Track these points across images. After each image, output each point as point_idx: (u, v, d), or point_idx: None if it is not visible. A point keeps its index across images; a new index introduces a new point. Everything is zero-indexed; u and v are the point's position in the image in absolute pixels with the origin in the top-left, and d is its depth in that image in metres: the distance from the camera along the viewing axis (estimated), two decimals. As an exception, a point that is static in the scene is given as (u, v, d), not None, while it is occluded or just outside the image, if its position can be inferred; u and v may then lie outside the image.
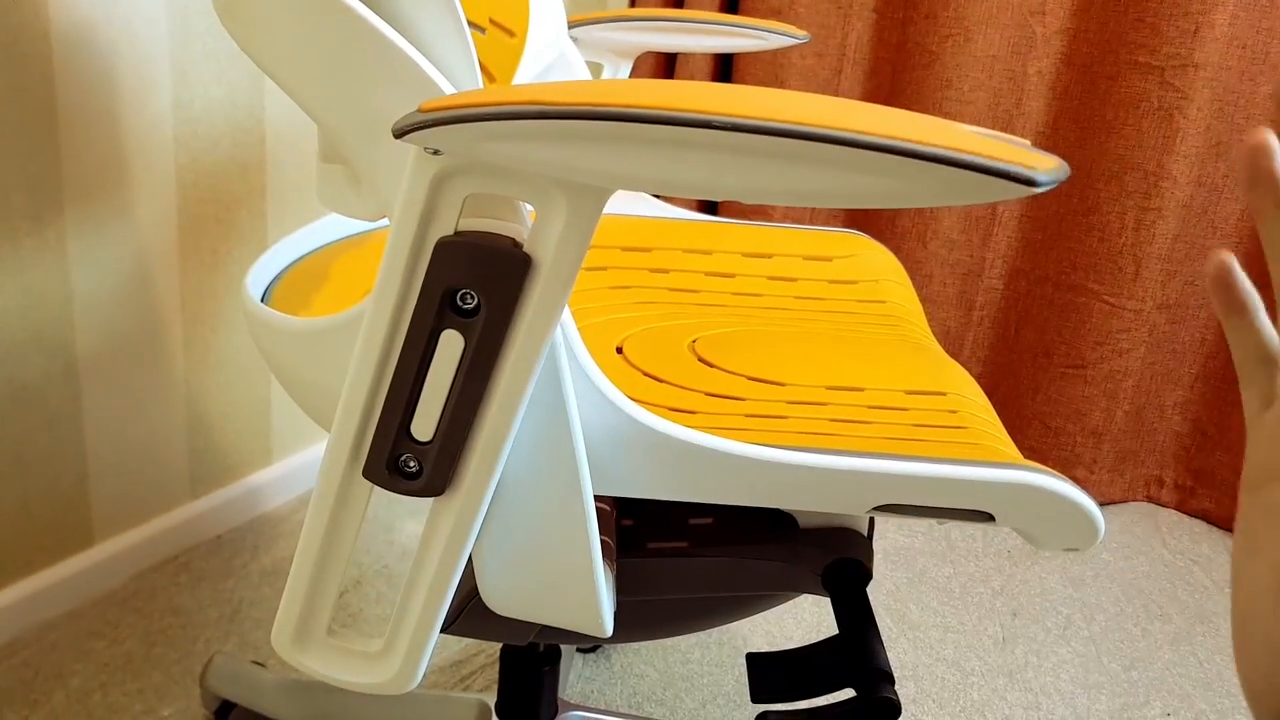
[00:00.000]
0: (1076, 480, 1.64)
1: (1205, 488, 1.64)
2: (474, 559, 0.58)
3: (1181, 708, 1.23)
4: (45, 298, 1.07)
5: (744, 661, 1.25)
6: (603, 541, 0.61)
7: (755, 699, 0.62)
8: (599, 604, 0.56)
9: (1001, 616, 1.36)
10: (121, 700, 1.06)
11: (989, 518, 0.55)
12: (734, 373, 0.72)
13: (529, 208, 0.44)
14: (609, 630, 0.58)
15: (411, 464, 0.50)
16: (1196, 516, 1.65)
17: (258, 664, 1.05)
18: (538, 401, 0.49)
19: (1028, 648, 1.31)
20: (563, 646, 0.91)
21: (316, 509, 0.52)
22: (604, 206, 0.41)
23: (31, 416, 1.09)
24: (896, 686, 1.22)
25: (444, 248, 0.44)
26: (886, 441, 0.62)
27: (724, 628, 1.28)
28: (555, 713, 0.89)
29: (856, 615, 0.62)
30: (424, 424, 0.49)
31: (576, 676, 1.17)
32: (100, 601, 1.19)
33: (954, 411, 0.69)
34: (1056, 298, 1.60)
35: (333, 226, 0.84)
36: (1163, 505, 1.67)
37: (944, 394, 0.71)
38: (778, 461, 0.54)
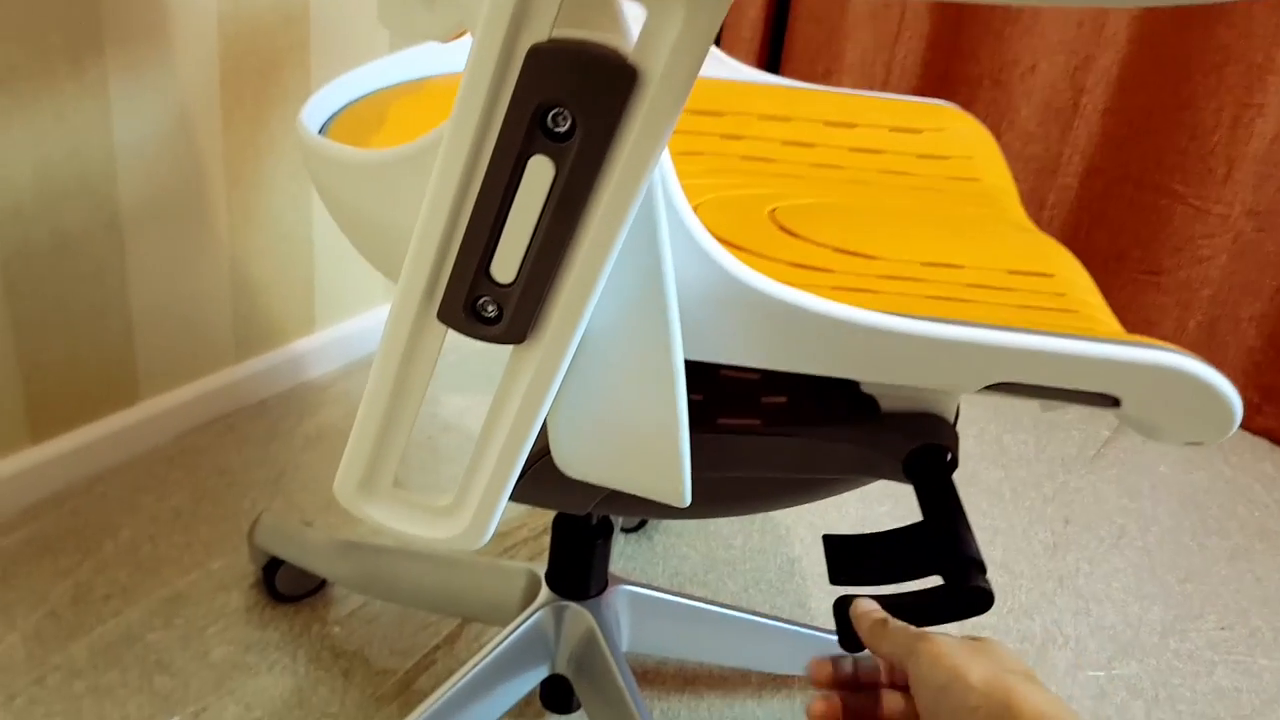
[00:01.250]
0: (1138, 390, 1.58)
1: (1272, 405, 1.58)
2: (547, 417, 0.54)
3: (1236, 623, 1.20)
4: (88, 145, 1.04)
5: (787, 551, 1.24)
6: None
7: (834, 581, 0.59)
8: (681, 471, 0.53)
9: (1053, 523, 1.33)
10: (170, 553, 1.07)
11: (1114, 402, 0.51)
12: (820, 243, 0.67)
13: (636, 21, 0.39)
14: (688, 499, 0.55)
15: (490, 308, 0.46)
16: (1260, 434, 1.60)
17: (305, 524, 1.04)
18: (630, 246, 0.44)
19: (1079, 555, 1.28)
20: (610, 521, 0.89)
21: (386, 352, 0.49)
22: (726, 10, 0.36)
23: (76, 268, 1.07)
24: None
25: (537, 55, 0.39)
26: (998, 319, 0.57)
27: (767, 516, 1.27)
28: (605, 586, 0.88)
29: (943, 503, 0.59)
30: (506, 263, 0.45)
31: (618, 554, 1.16)
32: (147, 458, 1.19)
33: (1061, 294, 0.64)
34: (1136, 198, 1.53)
35: (388, 70, 0.79)
36: (1225, 421, 1.62)
37: (1050, 275, 0.66)
38: (892, 330, 0.50)
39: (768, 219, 0.71)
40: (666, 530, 1.20)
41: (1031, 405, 1.65)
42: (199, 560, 1.06)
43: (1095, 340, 0.50)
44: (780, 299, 0.49)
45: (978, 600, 0.53)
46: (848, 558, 0.59)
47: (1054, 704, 0.47)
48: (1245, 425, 1.61)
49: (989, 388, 0.52)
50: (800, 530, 1.24)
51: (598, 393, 0.51)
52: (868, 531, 0.61)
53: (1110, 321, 0.64)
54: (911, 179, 0.82)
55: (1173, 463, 1.49)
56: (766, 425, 0.64)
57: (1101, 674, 1.10)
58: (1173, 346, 0.52)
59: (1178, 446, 1.53)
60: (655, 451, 0.52)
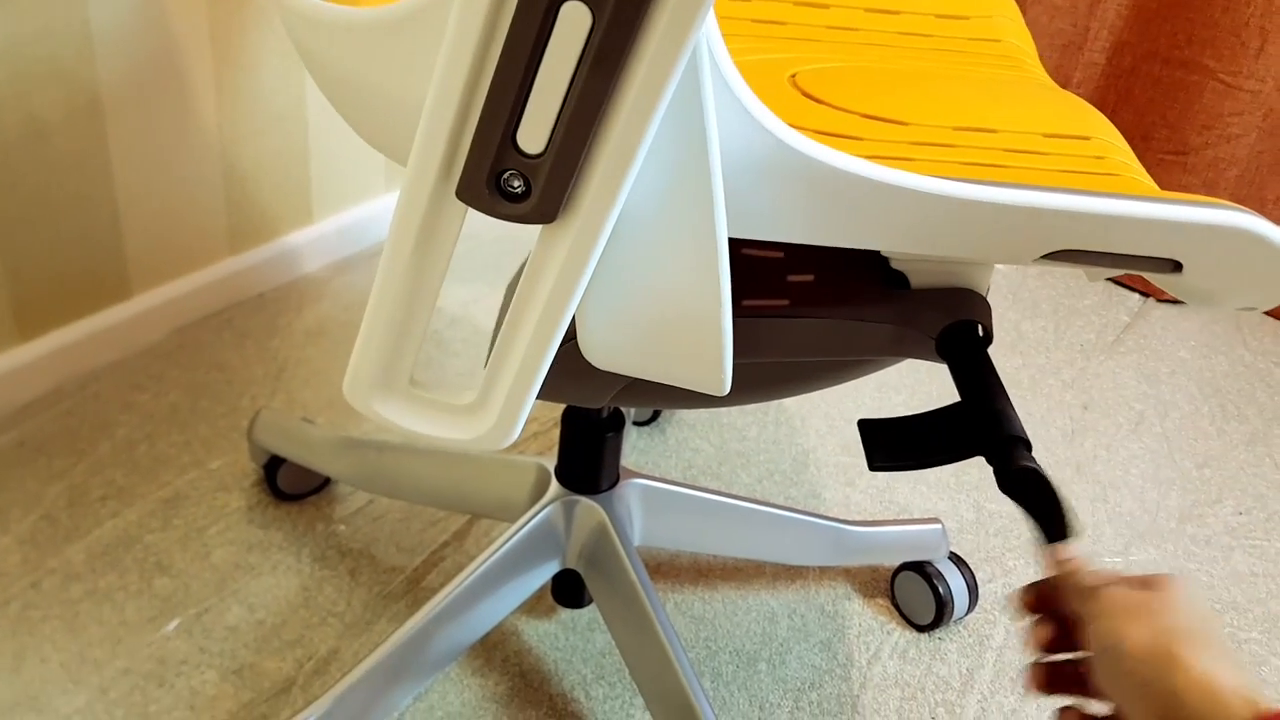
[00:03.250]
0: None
1: (1295, 288, 1.54)
2: None
3: (1254, 508, 1.18)
4: (60, 21, 0.97)
5: (801, 442, 1.21)
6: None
7: (873, 466, 0.56)
8: (723, 357, 0.49)
9: (1071, 409, 1.30)
10: (168, 451, 1.04)
11: (1175, 266, 0.47)
12: (846, 110, 0.62)
13: None
14: (729, 387, 0.51)
15: (517, 182, 0.41)
16: (1280, 318, 1.56)
17: (306, 421, 1.01)
18: (672, 109, 0.39)
19: (1097, 441, 1.25)
20: (622, 413, 0.86)
21: (399, 237, 0.44)
22: None
23: (56, 156, 1.02)
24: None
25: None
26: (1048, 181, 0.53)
27: (781, 407, 1.24)
28: (617, 480, 0.85)
29: (982, 380, 0.56)
30: (534, 131, 0.39)
31: (630, 448, 1.13)
32: (142, 354, 1.16)
33: (1100, 158, 0.60)
34: (1164, 75, 1.46)
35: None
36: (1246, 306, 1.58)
37: (1087, 138, 0.62)
38: (955, 196, 0.45)
39: (789, 84, 0.66)
40: (679, 423, 1.18)
41: (1050, 290, 1.60)
42: (198, 459, 1.04)
43: (1161, 201, 0.46)
44: (835, 167, 0.44)
45: (1027, 480, 0.51)
46: (885, 441, 0.56)
47: (1214, 673, 0.44)
48: (1266, 309, 1.57)
49: (1050, 255, 0.48)
50: (815, 421, 1.22)
51: (633, 275, 0.47)
52: (881, 417, 0.59)
53: (1151, 185, 0.61)
54: (931, 40, 0.77)
55: (1192, 348, 1.46)
56: (794, 305, 0.60)
57: (1118, 560, 1.09)
58: (1238, 206, 0.48)
59: (1198, 330, 1.50)
60: (695, 337, 0.48)
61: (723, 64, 0.41)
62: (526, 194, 0.41)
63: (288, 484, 1.00)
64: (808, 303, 0.59)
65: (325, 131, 1.27)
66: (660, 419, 1.17)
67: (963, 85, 0.70)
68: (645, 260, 0.46)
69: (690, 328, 0.47)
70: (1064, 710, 0.51)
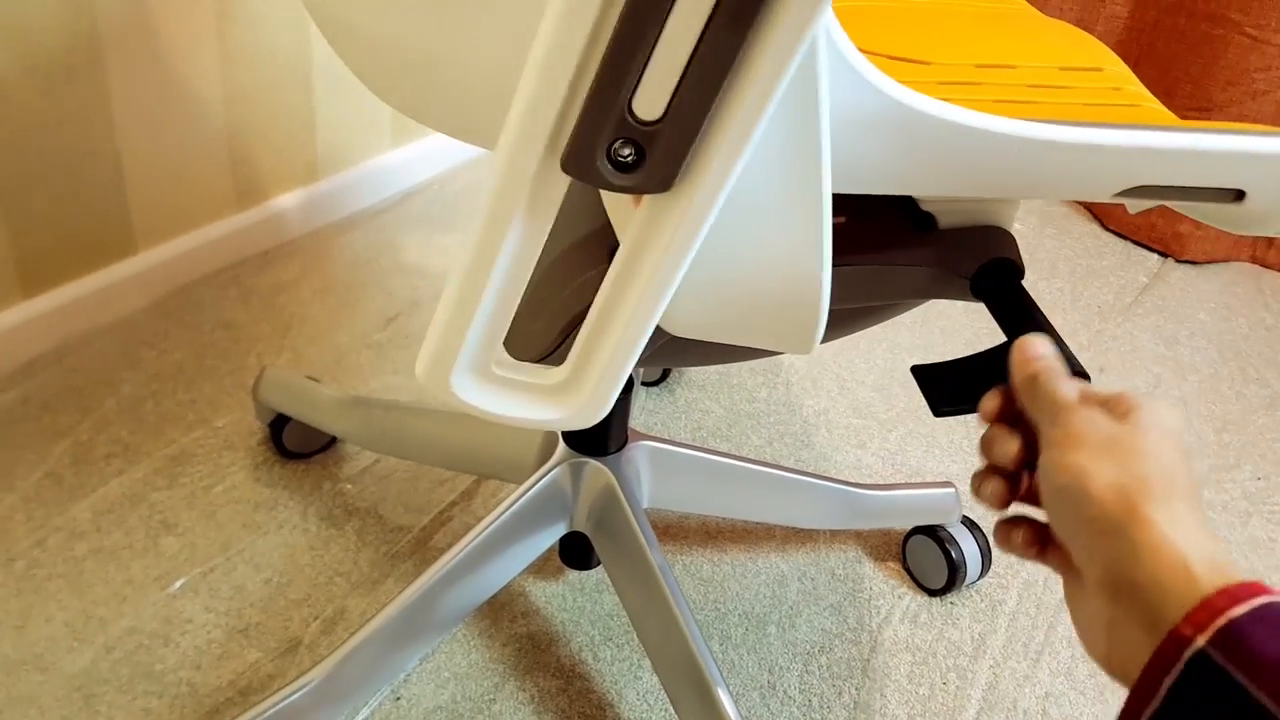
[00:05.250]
0: (1179, 235, 1.51)
1: (1319, 250, 1.51)
2: None
3: (1273, 473, 1.17)
4: (61, -30, 0.95)
5: (812, 404, 1.20)
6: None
7: (937, 412, 0.55)
8: (819, 318, 0.48)
9: (1089, 371, 1.28)
10: (174, 409, 1.03)
11: (1239, 195, 0.50)
12: (870, 51, 0.60)
13: None
14: (817, 344, 0.50)
15: (627, 150, 0.37)
16: (1303, 281, 1.53)
17: (312, 379, 1.00)
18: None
19: (1114, 405, 1.24)
20: (631, 376, 0.84)
21: (497, 216, 0.40)
22: None
23: (58, 111, 1.00)
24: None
25: None
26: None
27: (791, 366, 1.22)
28: (625, 441, 0.84)
29: (1027, 314, 0.55)
30: (653, 97, 0.36)
31: (639, 409, 1.12)
32: (148, 311, 1.14)
33: (1118, 89, 0.60)
34: (1189, 29, 1.42)
35: None
36: (1268, 267, 1.56)
37: (1100, 69, 0.62)
38: (1043, 139, 0.46)
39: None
40: (688, 383, 1.16)
41: (1068, 251, 1.57)
42: (204, 417, 1.03)
43: (1225, 133, 0.49)
44: (936, 116, 0.44)
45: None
46: (943, 385, 0.55)
47: (1181, 534, 0.38)
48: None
49: (1126, 191, 0.50)
50: (826, 383, 1.20)
51: (734, 239, 0.44)
52: (933, 362, 0.57)
53: (1167, 113, 0.61)
54: None
55: (1212, 309, 1.43)
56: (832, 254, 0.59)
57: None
58: None
59: (1217, 292, 1.47)
60: (793, 299, 0.46)
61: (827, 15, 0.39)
62: (638, 163, 0.37)
63: (294, 443, 0.99)
64: (841, 250, 0.58)
65: (330, 88, 1.25)
66: (669, 379, 1.16)
67: (974, 22, 0.69)
68: (748, 223, 0.44)
69: (788, 290, 0.46)
70: (1005, 521, 0.47)
